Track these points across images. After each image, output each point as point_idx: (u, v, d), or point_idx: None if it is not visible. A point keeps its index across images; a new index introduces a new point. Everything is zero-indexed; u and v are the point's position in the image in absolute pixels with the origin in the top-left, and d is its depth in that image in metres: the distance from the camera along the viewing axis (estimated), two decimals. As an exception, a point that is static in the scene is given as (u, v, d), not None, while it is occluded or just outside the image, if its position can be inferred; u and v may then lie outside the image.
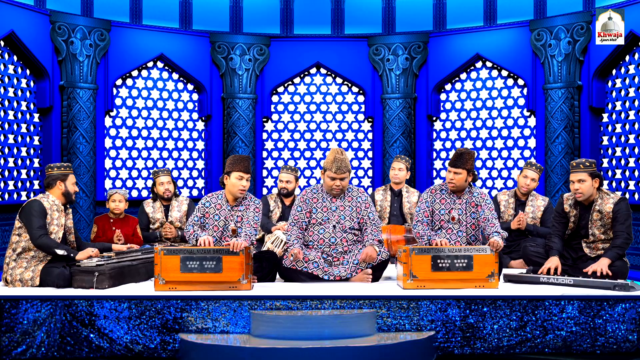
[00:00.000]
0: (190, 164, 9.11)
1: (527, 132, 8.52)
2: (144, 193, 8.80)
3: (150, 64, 8.81)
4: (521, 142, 8.54)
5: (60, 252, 4.91)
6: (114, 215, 6.32)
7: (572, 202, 5.29)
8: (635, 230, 7.43)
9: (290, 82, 9.31)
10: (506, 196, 6.51)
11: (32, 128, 7.97)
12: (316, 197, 5.40)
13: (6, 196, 7.53)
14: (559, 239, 5.32)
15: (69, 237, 5.23)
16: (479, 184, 8.79)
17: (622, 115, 7.67)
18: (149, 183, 8.81)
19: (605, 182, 7.91)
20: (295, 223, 5.37)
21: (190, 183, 9.13)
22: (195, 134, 9.17)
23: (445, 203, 5.38)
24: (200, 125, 9.22)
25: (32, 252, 4.99)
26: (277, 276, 5.42)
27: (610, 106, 7.89)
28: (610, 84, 7.89)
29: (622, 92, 7.68)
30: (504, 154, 8.64)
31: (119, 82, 8.62)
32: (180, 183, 9.01)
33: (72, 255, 4.95)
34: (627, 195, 7.52)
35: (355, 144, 9.33)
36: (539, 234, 6.22)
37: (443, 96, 9.09)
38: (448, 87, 9.06)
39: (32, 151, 7.95)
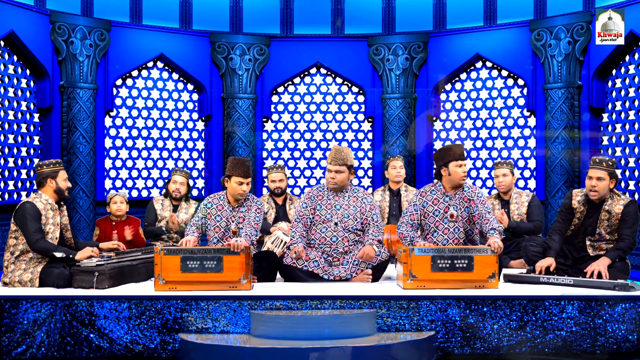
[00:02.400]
0: (190, 164, 9.11)
1: (527, 132, 8.52)
2: (144, 193, 8.80)
3: (150, 64, 8.81)
4: (521, 142, 8.54)
5: (58, 254, 4.90)
6: (115, 218, 6.31)
7: (582, 199, 5.21)
8: (635, 230, 7.42)
9: (290, 82, 9.31)
10: (491, 199, 6.58)
11: (32, 128, 7.97)
12: (321, 195, 5.43)
13: (6, 196, 7.53)
14: (559, 237, 5.28)
15: (65, 235, 5.20)
16: (479, 184, 8.80)
17: (622, 115, 7.67)
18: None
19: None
20: (300, 219, 5.39)
21: (190, 183, 9.12)
22: (195, 134, 9.17)
23: (438, 203, 5.33)
24: (200, 125, 9.23)
25: (31, 254, 4.97)
26: (277, 276, 5.42)
27: (610, 106, 7.89)
28: (610, 84, 7.89)
29: (622, 92, 7.68)
30: (504, 154, 8.64)
31: (119, 82, 8.62)
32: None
33: (70, 256, 4.94)
34: (627, 195, 7.52)
35: (355, 144, 9.33)
36: (522, 229, 6.26)
37: (443, 96, 9.09)
38: (448, 87, 9.06)
39: (32, 151, 7.95)
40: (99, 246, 5.36)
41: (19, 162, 7.74)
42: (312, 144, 9.32)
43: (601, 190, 5.06)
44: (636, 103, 7.50)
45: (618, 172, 7.61)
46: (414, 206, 5.37)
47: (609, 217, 5.09)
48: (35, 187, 5.64)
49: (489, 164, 8.75)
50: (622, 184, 7.61)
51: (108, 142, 8.57)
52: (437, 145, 9.11)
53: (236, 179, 5.24)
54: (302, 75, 9.32)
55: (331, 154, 5.36)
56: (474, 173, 8.83)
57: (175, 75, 9.03)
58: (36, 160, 7.98)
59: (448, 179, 5.30)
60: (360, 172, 9.32)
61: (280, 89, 9.30)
